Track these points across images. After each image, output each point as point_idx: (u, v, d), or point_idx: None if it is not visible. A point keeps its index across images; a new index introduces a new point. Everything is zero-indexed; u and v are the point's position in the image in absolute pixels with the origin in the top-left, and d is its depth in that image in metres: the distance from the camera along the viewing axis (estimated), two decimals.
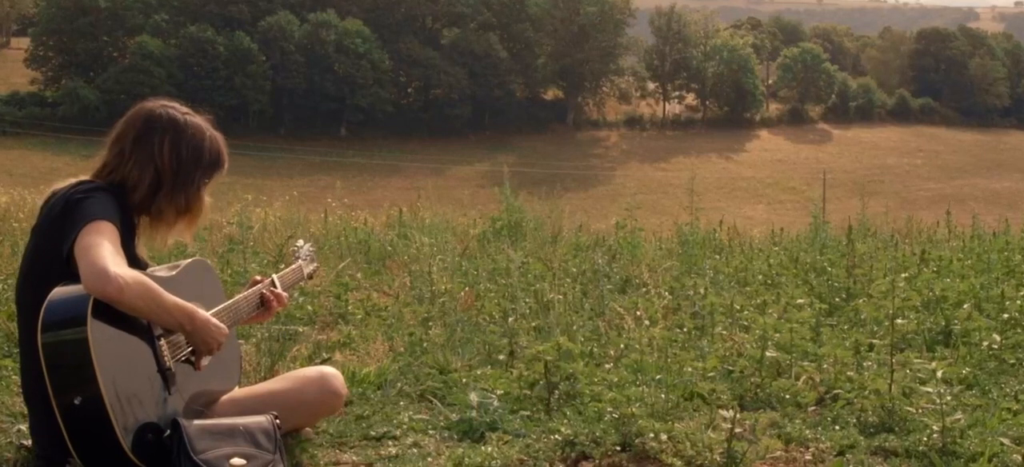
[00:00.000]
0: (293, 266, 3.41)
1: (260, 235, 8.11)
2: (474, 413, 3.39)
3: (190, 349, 2.65)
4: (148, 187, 2.67)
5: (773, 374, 3.94)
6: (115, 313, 2.43)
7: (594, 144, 70.82)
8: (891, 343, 3.77)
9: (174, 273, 2.73)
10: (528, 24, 74.22)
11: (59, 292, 2.44)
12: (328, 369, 3.09)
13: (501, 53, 70.56)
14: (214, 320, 2.65)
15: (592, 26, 74.25)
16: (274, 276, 3.18)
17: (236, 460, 2.47)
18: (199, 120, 2.78)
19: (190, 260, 2.87)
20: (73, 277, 2.44)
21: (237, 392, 2.91)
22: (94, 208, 2.52)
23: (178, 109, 2.77)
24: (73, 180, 2.68)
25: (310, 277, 3.58)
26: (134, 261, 2.65)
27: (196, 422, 2.50)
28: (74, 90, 61.59)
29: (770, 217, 32.74)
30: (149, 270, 2.74)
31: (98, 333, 2.37)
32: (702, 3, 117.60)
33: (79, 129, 53.23)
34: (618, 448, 3.09)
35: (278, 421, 2.64)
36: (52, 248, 2.54)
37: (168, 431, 2.48)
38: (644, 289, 5.82)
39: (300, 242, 3.69)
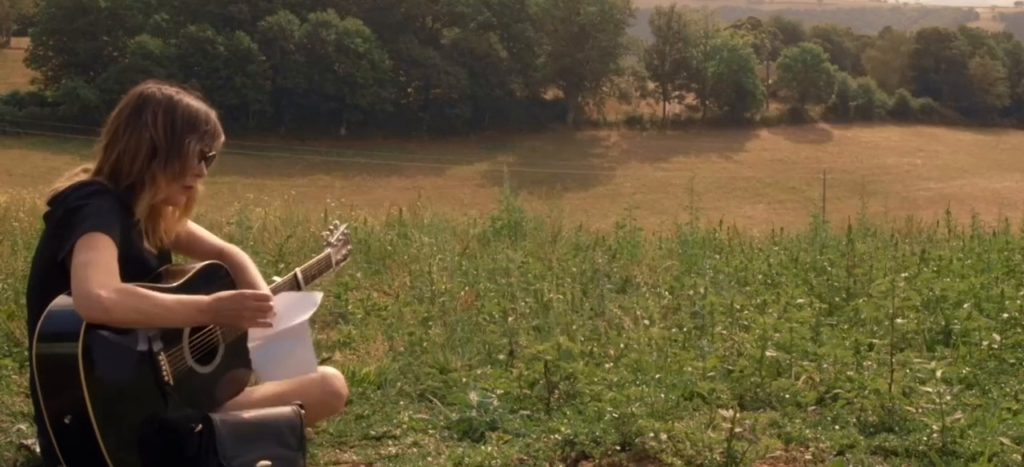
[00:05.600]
0: (321, 255, 3.26)
1: (260, 234, 8.11)
2: (474, 413, 3.39)
3: (201, 342, 2.63)
4: (144, 157, 2.64)
5: (773, 374, 3.94)
6: (111, 330, 2.38)
7: (594, 144, 70.81)
8: (891, 343, 3.78)
9: (185, 278, 2.70)
10: (528, 24, 74.21)
11: (59, 303, 2.41)
12: (329, 370, 3.06)
13: (501, 53, 70.55)
14: (232, 292, 2.58)
15: (592, 26, 74.23)
16: (297, 270, 3.11)
17: (263, 463, 2.47)
18: (192, 98, 2.77)
19: (201, 264, 2.80)
20: (69, 287, 2.40)
21: (239, 397, 2.88)
22: (90, 217, 2.47)
23: (171, 87, 2.77)
24: (73, 180, 2.64)
25: (343, 260, 3.39)
26: (139, 262, 2.62)
27: (227, 420, 2.48)
28: (74, 90, 61.58)
29: (770, 217, 32.76)
30: (164, 267, 2.72)
31: (92, 350, 2.33)
32: (702, 3, 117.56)
33: (79, 129, 53.18)
34: (618, 448, 3.09)
35: (303, 410, 2.63)
36: (52, 255, 2.50)
37: (198, 426, 2.45)
38: (644, 289, 5.82)
39: (335, 222, 3.50)
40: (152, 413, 2.46)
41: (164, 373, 2.49)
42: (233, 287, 2.85)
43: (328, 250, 3.31)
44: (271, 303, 2.62)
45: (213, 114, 2.78)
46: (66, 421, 2.32)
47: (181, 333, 2.58)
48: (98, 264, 2.39)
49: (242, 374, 2.85)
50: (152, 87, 2.74)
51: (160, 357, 2.49)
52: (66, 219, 2.51)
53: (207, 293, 2.70)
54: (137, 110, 2.68)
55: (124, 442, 2.38)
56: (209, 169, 2.78)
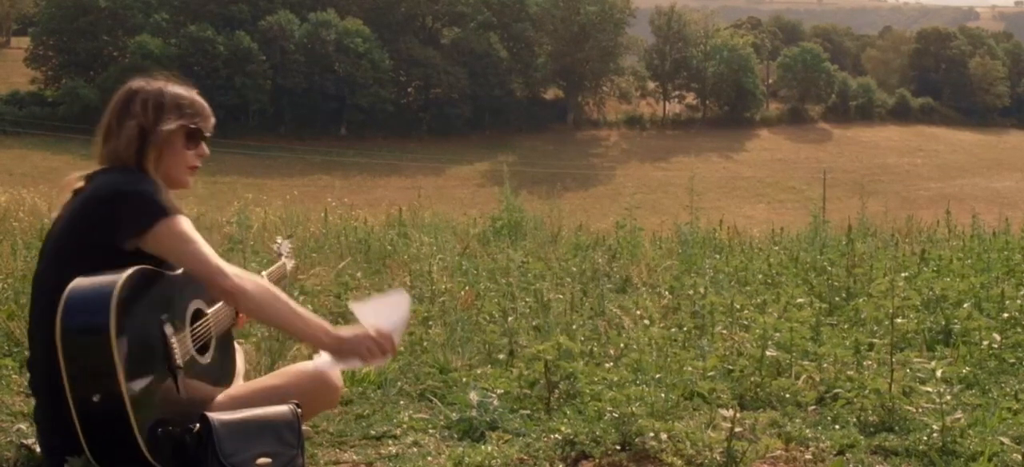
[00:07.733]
0: (277, 265, 3.38)
1: (260, 234, 8.11)
2: (474, 412, 3.39)
3: (201, 332, 2.65)
4: (136, 143, 2.68)
5: (773, 373, 3.94)
6: (133, 309, 2.39)
7: (594, 144, 70.82)
8: (891, 342, 3.77)
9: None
10: (528, 24, 74.22)
11: (83, 283, 2.38)
12: None
13: (501, 53, 70.56)
14: (359, 331, 2.69)
15: (592, 26, 74.22)
16: (263, 273, 3.15)
17: (262, 459, 2.47)
18: (179, 86, 2.83)
19: None
20: (118, 266, 2.41)
21: (234, 389, 2.89)
22: (160, 202, 2.56)
23: (158, 79, 2.83)
24: (102, 168, 2.68)
25: (294, 270, 3.58)
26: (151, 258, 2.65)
27: (224, 418, 2.49)
28: (74, 90, 61.58)
29: (770, 216, 32.72)
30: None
31: (120, 330, 2.33)
32: (702, 3, 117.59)
33: (79, 129, 53.16)
34: (618, 447, 3.09)
35: (300, 409, 2.64)
36: (95, 233, 2.52)
37: (197, 425, 2.45)
38: (644, 289, 5.82)
39: (279, 239, 3.67)
40: (167, 395, 2.48)
41: (176, 354, 2.51)
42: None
43: (283, 260, 3.44)
44: (390, 342, 2.73)
45: (198, 96, 2.86)
46: (95, 399, 2.32)
47: (185, 320, 2.61)
48: (208, 249, 2.55)
49: (229, 369, 2.89)
50: (140, 82, 2.81)
51: (172, 339, 2.51)
52: (122, 199, 2.55)
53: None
54: (126, 103, 2.74)
55: (146, 423, 2.39)
56: (208, 148, 2.86)
